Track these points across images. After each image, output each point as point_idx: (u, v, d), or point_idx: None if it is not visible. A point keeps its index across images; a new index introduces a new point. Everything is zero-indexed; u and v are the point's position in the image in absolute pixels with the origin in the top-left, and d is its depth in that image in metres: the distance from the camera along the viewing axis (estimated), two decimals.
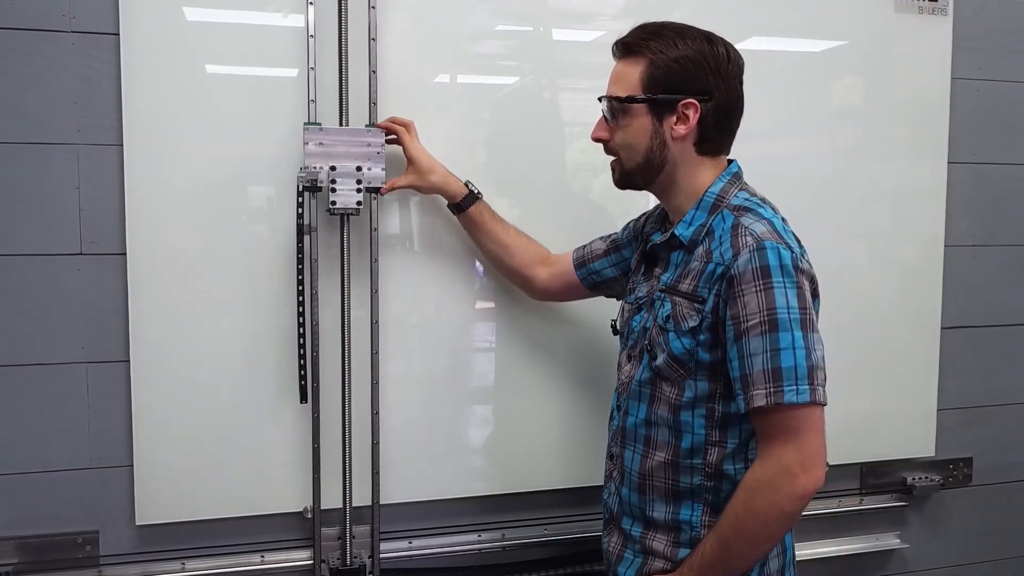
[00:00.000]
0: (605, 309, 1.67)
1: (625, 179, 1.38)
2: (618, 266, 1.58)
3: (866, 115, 1.96)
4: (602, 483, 1.51)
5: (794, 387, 1.18)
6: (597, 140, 1.38)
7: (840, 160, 1.96)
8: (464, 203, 1.62)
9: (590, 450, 1.80)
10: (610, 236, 1.61)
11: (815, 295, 1.27)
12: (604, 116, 1.36)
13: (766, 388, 1.19)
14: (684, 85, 1.29)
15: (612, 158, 1.39)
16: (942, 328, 2.05)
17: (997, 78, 2.07)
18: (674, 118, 1.30)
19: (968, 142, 2.05)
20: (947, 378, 2.07)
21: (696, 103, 1.29)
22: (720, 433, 1.30)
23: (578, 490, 1.83)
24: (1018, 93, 2.09)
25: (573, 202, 1.82)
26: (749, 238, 1.23)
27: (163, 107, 1.55)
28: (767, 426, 1.22)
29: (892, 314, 2.01)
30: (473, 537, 1.79)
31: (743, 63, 1.34)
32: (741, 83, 1.34)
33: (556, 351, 1.80)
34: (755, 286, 1.20)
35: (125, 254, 1.56)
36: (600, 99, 1.36)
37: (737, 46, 1.34)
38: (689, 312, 1.28)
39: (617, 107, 1.33)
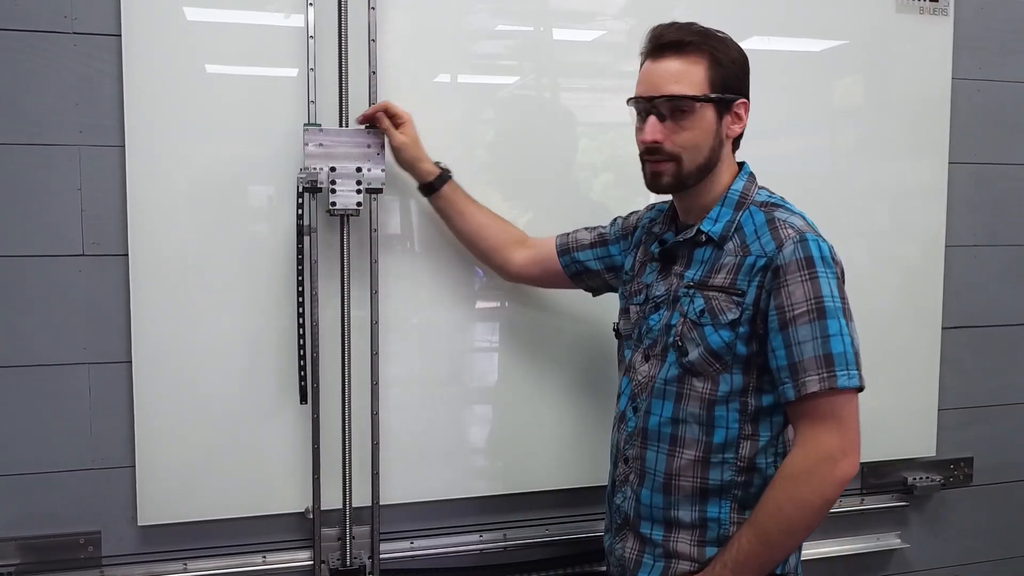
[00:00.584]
0: (607, 308, 1.67)
1: (680, 182, 1.32)
2: (602, 260, 1.58)
3: (867, 115, 1.96)
4: (606, 484, 1.50)
5: (846, 372, 1.22)
6: (654, 143, 1.30)
7: (841, 159, 1.96)
8: (437, 183, 1.59)
9: (591, 450, 1.81)
10: (596, 228, 1.61)
11: None
12: (659, 117, 1.30)
13: (819, 374, 1.21)
14: (739, 85, 1.32)
15: (658, 160, 1.31)
16: (943, 328, 2.05)
17: (998, 78, 2.07)
18: (730, 118, 1.32)
19: (969, 142, 2.05)
20: (948, 378, 2.07)
21: (747, 103, 1.33)
22: (753, 427, 1.31)
23: (579, 490, 1.83)
24: (1019, 93, 2.09)
25: (574, 201, 1.81)
26: (790, 230, 1.27)
27: (164, 107, 1.55)
28: (810, 413, 1.24)
29: (893, 314, 2.01)
30: (475, 537, 1.80)
31: None
32: None
33: (557, 351, 1.80)
34: (800, 276, 1.23)
35: (127, 255, 1.56)
36: (655, 99, 1.29)
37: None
38: (728, 305, 1.28)
39: (684, 106, 1.28)
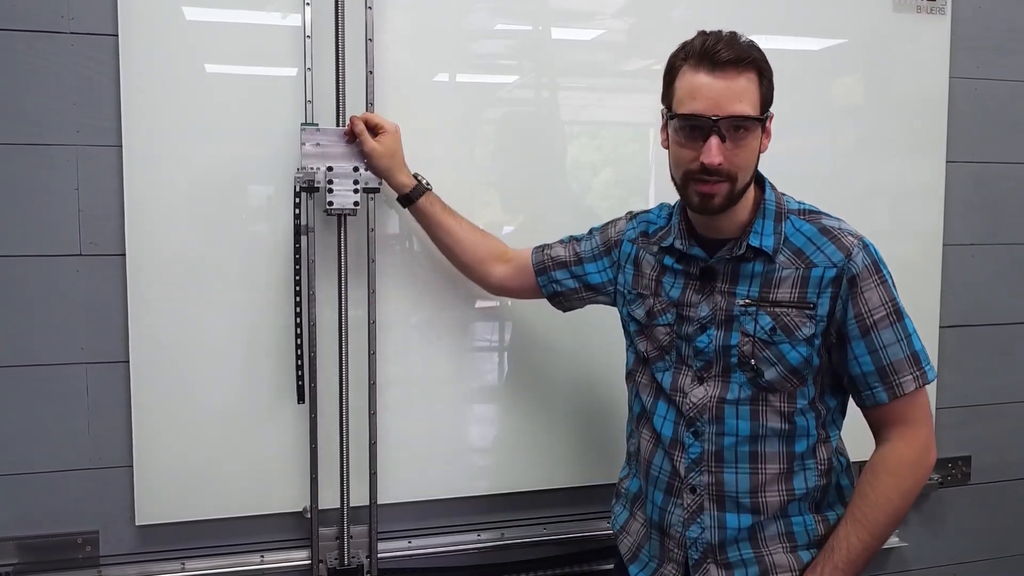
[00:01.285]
0: (606, 307, 1.67)
1: (730, 202, 1.27)
2: (578, 279, 1.53)
3: (865, 114, 1.96)
4: (600, 483, 1.49)
5: (930, 366, 1.29)
6: (719, 165, 1.22)
7: (839, 159, 1.96)
8: (412, 195, 1.58)
9: (589, 449, 1.81)
10: (571, 244, 1.55)
11: None
12: (720, 137, 1.22)
13: (912, 372, 1.27)
14: (772, 98, 1.28)
15: (715, 181, 1.24)
16: (940, 327, 2.05)
17: (995, 77, 2.07)
18: (765, 133, 1.29)
19: (966, 141, 2.05)
20: (945, 377, 2.07)
21: (772, 115, 1.29)
22: (826, 430, 1.34)
23: (577, 489, 1.83)
24: (1016, 92, 2.09)
25: (572, 201, 1.81)
26: (851, 237, 1.28)
27: (162, 107, 1.55)
28: (903, 409, 1.28)
29: None
30: (472, 537, 1.80)
31: None
32: None
33: (555, 351, 1.80)
34: (872, 281, 1.26)
35: (124, 255, 1.56)
36: (720, 119, 1.21)
37: None
38: (801, 320, 1.27)
39: (745, 126, 1.23)
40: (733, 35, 1.25)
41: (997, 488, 2.19)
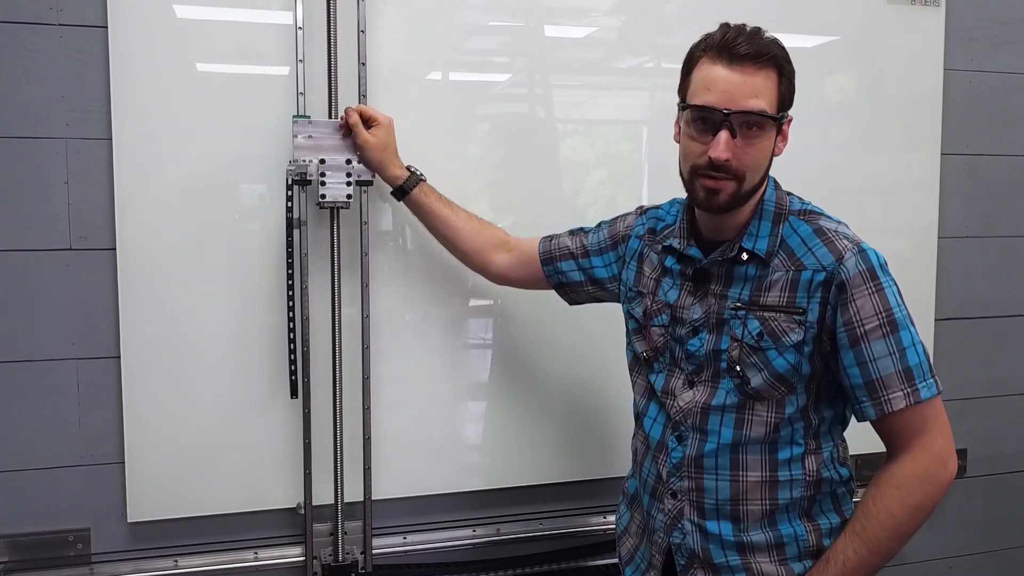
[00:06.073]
0: (600, 305, 1.66)
1: (736, 201, 1.23)
2: (584, 271, 1.50)
3: (860, 108, 1.96)
4: (596, 479, 1.48)
5: (924, 383, 1.20)
6: (726, 162, 1.19)
7: (834, 154, 1.96)
8: (406, 186, 1.57)
9: (584, 445, 1.81)
10: (578, 235, 1.53)
11: None
12: (731, 132, 1.19)
13: (903, 389, 1.19)
14: (792, 100, 1.24)
15: (721, 178, 1.21)
16: (936, 320, 2.05)
17: (989, 69, 2.07)
18: (780, 136, 1.25)
19: (961, 134, 2.05)
20: (941, 370, 2.01)
21: (791, 119, 1.25)
22: (816, 441, 1.27)
23: (573, 484, 1.82)
24: (1010, 84, 2.10)
25: (565, 200, 1.80)
26: (846, 241, 1.21)
27: (152, 99, 1.54)
28: (907, 424, 1.20)
29: None
30: (468, 532, 1.79)
31: None
32: None
33: (549, 347, 1.79)
34: (866, 289, 1.19)
35: (115, 249, 1.55)
36: (732, 113, 1.18)
37: None
38: (789, 325, 1.22)
39: (758, 123, 1.20)
40: (756, 30, 1.22)
41: (993, 481, 2.19)
